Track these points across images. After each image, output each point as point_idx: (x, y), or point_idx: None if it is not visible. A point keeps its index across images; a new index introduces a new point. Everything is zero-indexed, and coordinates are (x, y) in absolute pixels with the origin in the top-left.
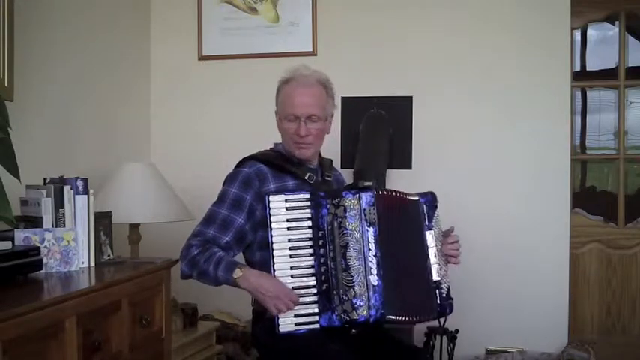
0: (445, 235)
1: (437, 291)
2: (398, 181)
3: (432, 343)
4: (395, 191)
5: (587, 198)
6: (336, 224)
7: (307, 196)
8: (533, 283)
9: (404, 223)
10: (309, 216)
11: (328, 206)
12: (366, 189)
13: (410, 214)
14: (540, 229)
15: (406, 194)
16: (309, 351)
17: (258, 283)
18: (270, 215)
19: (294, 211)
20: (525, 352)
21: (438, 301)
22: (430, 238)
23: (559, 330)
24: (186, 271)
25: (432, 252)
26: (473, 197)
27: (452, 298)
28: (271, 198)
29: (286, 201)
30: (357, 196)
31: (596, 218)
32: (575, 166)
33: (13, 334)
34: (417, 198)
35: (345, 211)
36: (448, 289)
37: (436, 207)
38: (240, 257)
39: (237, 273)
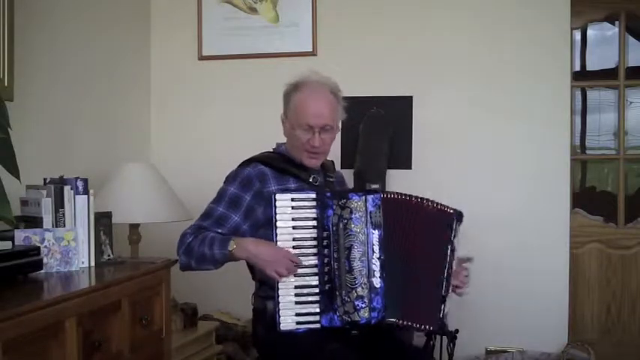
0: (461, 262)
1: (442, 305)
2: (398, 181)
3: (432, 343)
4: (417, 197)
5: (587, 198)
6: (341, 225)
7: (313, 195)
8: (533, 283)
9: (422, 230)
10: (315, 216)
11: (334, 207)
12: (372, 192)
13: (434, 222)
14: (540, 229)
15: (438, 204)
16: (310, 349)
17: (256, 250)
18: (276, 214)
19: (300, 211)
20: (525, 352)
21: (441, 315)
22: (449, 252)
23: (559, 330)
24: (184, 261)
25: (447, 267)
26: (473, 197)
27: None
28: (278, 197)
29: (292, 200)
30: (364, 198)
31: (596, 218)
32: (575, 166)
33: (13, 334)
34: (452, 210)
35: (350, 212)
36: (447, 312)
37: (460, 225)
38: None
39: (232, 245)
